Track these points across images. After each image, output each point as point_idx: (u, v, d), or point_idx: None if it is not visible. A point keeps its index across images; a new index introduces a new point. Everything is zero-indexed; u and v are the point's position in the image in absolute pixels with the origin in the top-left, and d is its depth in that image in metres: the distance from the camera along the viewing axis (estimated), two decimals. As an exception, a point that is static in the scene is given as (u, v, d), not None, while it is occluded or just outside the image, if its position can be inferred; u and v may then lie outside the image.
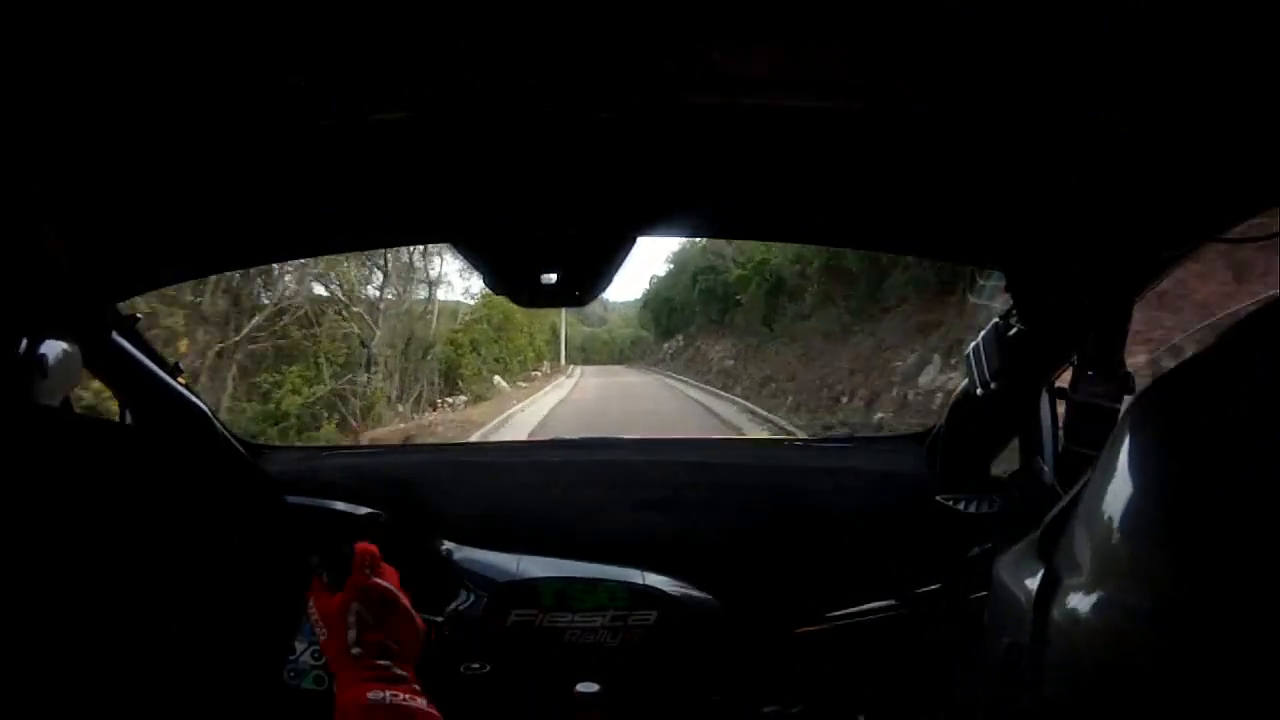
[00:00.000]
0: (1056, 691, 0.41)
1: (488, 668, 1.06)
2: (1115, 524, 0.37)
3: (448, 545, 1.18)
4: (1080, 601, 0.39)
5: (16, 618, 0.45)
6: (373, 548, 0.82)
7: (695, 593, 1.16)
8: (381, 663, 0.74)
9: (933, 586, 1.17)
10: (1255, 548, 0.30)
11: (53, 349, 0.82)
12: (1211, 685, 0.31)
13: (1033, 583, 0.45)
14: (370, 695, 0.71)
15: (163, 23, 0.55)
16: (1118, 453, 0.38)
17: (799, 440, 1.54)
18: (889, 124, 0.74)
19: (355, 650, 0.75)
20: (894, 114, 0.71)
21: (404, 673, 0.75)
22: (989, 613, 0.52)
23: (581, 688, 1.02)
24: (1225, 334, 0.38)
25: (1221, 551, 0.31)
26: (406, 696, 0.72)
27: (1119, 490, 0.37)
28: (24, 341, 0.76)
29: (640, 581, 1.14)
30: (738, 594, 1.17)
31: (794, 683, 1.15)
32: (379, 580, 0.80)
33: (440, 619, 1.09)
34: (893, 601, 1.17)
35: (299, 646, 0.94)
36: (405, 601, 0.80)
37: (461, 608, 1.11)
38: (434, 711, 0.72)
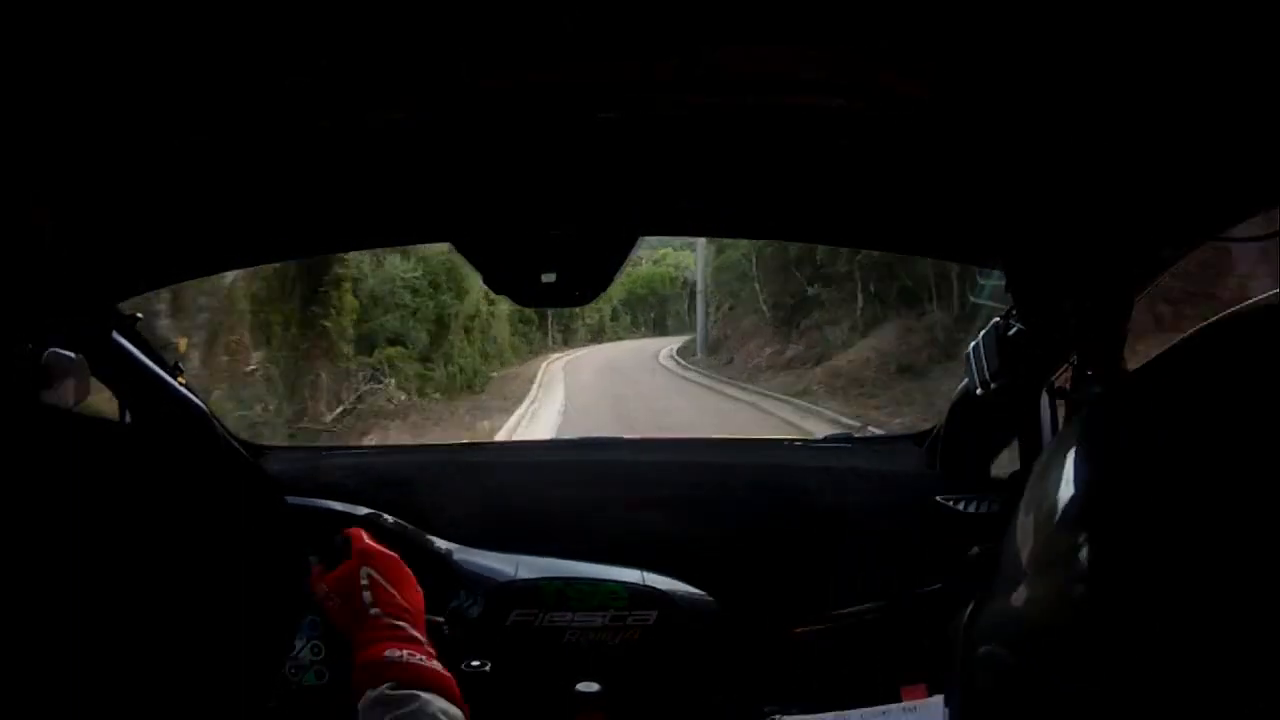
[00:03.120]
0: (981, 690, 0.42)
1: (488, 665, 1.06)
2: (1052, 519, 0.38)
3: (448, 545, 1.18)
4: (1006, 602, 0.40)
5: (14, 618, 0.45)
6: (361, 530, 0.85)
7: (695, 593, 1.16)
8: (399, 623, 0.76)
9: (933, 586, 1.17)
10: (1183, 548, 0.31)
11: (60, 359, 0.83)
12: (1132, 680, 0.31)
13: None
14: (388, 653, 0.73)
15: (163, 22, 0.55)
16: (1066, 449, 0.39)
17: (799, 440, 1.54)
18: (889, 123, 0.74)
19: (374, 610, 0.77)
20: (894, 114, 0.71)
21: (418, 635, 0.76)
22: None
23: (581, 687, 1.02)
24: (1186, 340, 0.39)
25: (1149, 548, 0.32)
26: (422, 656, 0.74)
27: (1060, 485, 0.38)
28: (24, 341, 0.76)
29: (640, 581, 1.14)
30: (737, 594, 1.17)
31: (794, 683, 1.15)
32: (382, 548, 0.82)
33: (440, 619, 1.09)
34: (893, 601, 1.17)
35: (298, 643, 0.94)
36: (408, 569, 0.82)
37: (461, 608, 1.11)
38: (447, 673, 0.74)
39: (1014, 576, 0.40)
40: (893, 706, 1.01)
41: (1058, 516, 0.37)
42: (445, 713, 0.71)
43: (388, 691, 0.70)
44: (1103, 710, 0.32)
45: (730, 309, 17.11)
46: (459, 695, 0.75)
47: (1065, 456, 0.38)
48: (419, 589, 0.83)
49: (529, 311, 17.50)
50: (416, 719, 0.69)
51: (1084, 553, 0.34)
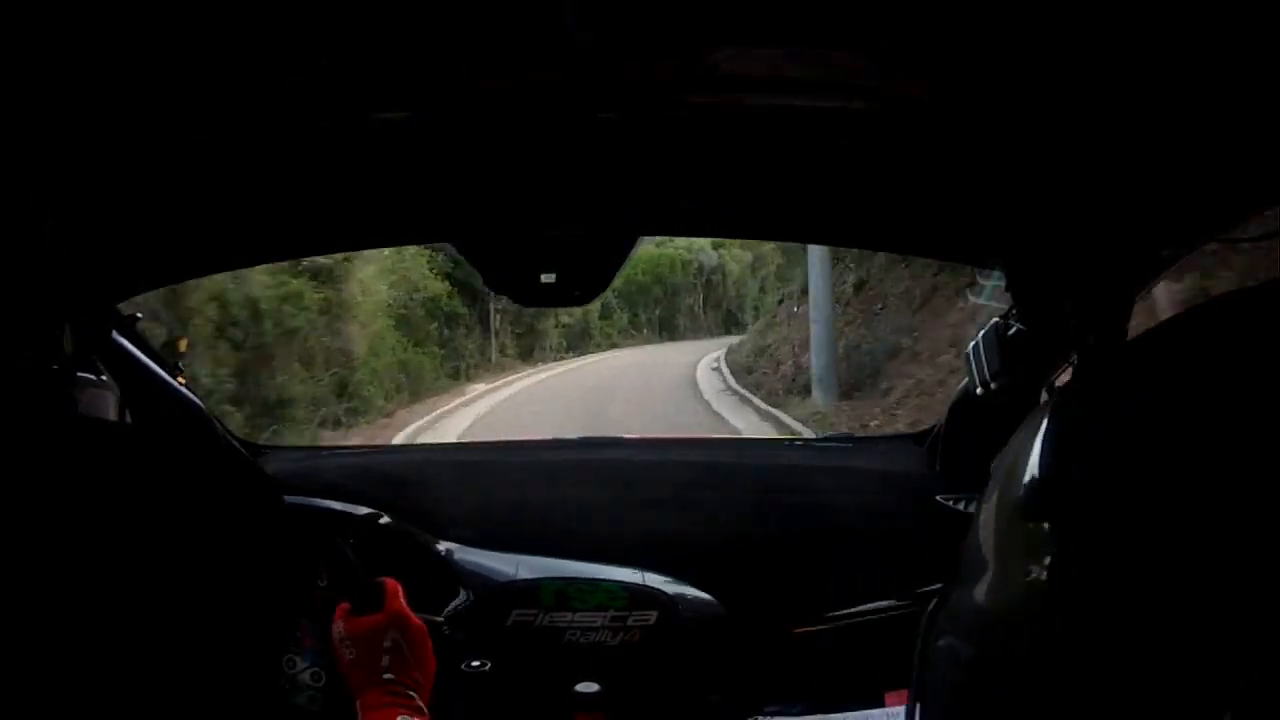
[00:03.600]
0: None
1: (488, 665, 1.06)
2: (1014, 508, 0.39)
3: (448, 545, 1.18)
4: (968, 594, 0.40)
5: (14, 615, 0.45)
6: (399, 586, 0.84)
7: (695, 593, 1.16)
8: (411, 693, 0.77)
9: (933, 586, 1.17)
10: (1140, 531, 0.32)
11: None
12: (1094, 666, 0.32)
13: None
14: (400, 719, 0.73)
15: (163, 22, 0.55)
16: (1028, 440, 0.39)
17: (799, 440, 1.54)
18: (889, 124, 0.74)
19: (388, 675, 0.77)
20: (894, 114, 0.71)
21: (424, 708, 0.77)
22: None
23: (581, 688, 1.02)
24: (1146, 334, 0.39)
25: (1110, 536, 0.33)
26: None
27: (1023, 474, 0.39)
28: (24, 341, 0.76)
29: (640, 581, 1.14)
30: (738, 594, 1.17)
31: (794, 683, 1.15)
32: (414, 616, 0.82)
33: (440, 619, 1.08)
34: (893, 601, 1.17)
35: (300, 663, 0.93)
36: (430, 642, 0.83)
37: (461, 608, 1.11)
38: None
39: (977, 567, 0.40)
40: (874, 712, 1.01)
41: (1020, 505, 0.38)
42: None
43: None
44: (1060, 708, 0.33)
45: (859, 287, 8.74)
46: None
47: (1028, 447, 0.39)
48: (434, 661, 0.83)
49: (452, 299, 10.83)
50: None
51: (1045, 541, 0.35)
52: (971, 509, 1.21)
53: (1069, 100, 0.66)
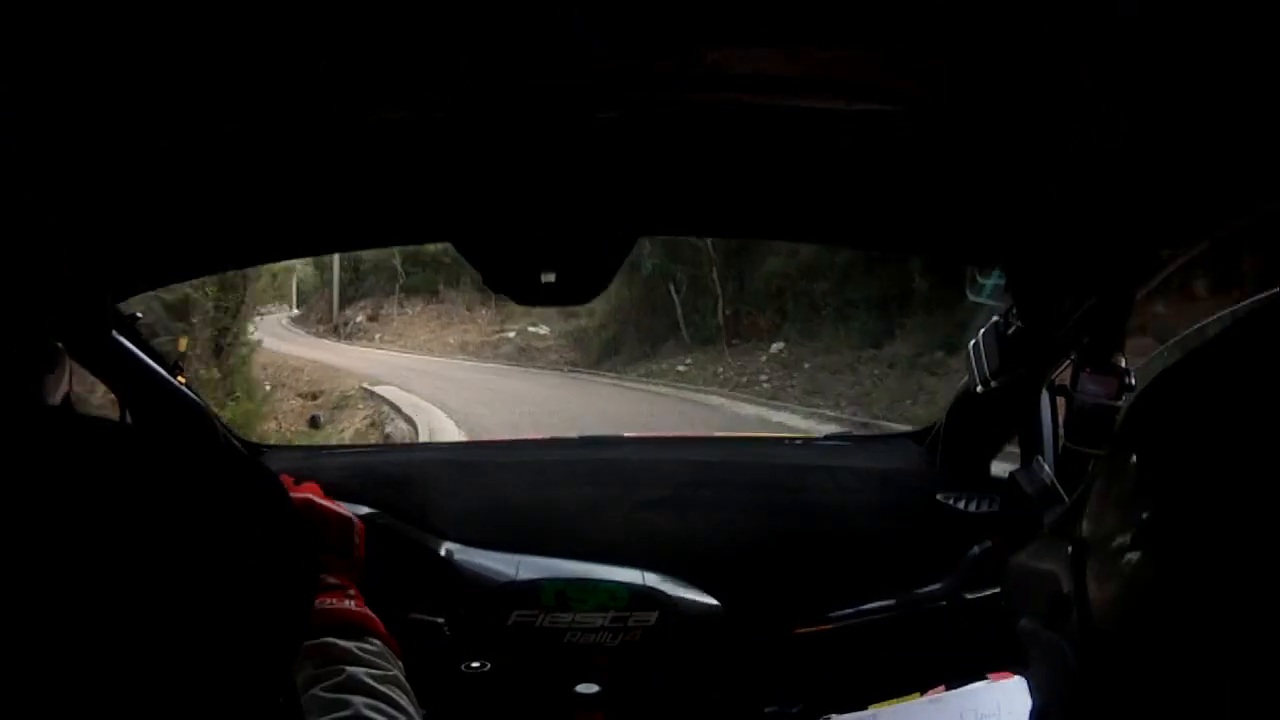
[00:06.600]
0: (1108, 622, 0.42)
1: (488, 666, 1.06)
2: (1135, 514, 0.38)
3: (448, 545, 1.18)
4: (1118, 548, 0.40)
5: (13, 618, 0.45)
6: (286, 477, 0.84)
7: (695, 593, 1.16)
8: None
9: (933, 586, 1.17)
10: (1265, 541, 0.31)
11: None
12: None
13: (1062, 554, 0.46)
14: None
15: (163, 22, 0.55)
16: (1129, 448, 0.39)
17: (799, 439, 1.54)
18: (888, 124, 0.74)
19: None
20: (893, 113, 0.71)
21: (335, 581, 0.78)
22: (1011, 596, 0.53)
23: (581, 688, 1.02)
24: (1233, 325, 0.39)
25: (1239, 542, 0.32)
26: (332, 601, 0.75)
27: (1135, 485, 0.38)
28: (24, 341, 0.76)
29: (640, 582, 1.14)
30: (738, 594, 1.17)
31: (794, 683, 1.15)
32: (301, 494, 0.83)
33: (440, 619, 1.08)
34: (893, 601, 1.17)
35: None
36: (319, 504, 0.83)
37: (461, 608, 1.11)
38: (363, 610, 0.76)
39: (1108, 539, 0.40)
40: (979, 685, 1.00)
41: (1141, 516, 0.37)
42: (362, 649, 0.72)
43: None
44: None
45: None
46: (383, 629, 0.76)
47: (1135, 457, 0.38)
48: (335, 520, 0.83)
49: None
50: (328, 661, 0.70)
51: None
52: (971, 508, 1.22)
53: (1069, 100, 0.66)
